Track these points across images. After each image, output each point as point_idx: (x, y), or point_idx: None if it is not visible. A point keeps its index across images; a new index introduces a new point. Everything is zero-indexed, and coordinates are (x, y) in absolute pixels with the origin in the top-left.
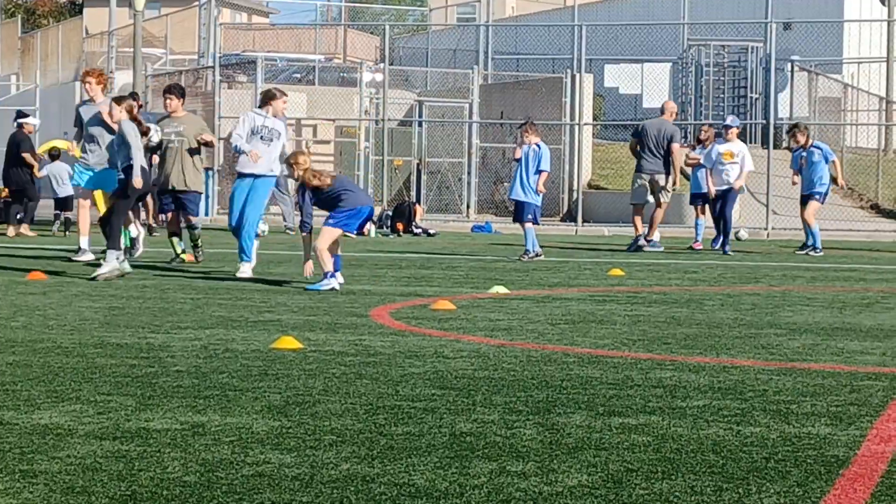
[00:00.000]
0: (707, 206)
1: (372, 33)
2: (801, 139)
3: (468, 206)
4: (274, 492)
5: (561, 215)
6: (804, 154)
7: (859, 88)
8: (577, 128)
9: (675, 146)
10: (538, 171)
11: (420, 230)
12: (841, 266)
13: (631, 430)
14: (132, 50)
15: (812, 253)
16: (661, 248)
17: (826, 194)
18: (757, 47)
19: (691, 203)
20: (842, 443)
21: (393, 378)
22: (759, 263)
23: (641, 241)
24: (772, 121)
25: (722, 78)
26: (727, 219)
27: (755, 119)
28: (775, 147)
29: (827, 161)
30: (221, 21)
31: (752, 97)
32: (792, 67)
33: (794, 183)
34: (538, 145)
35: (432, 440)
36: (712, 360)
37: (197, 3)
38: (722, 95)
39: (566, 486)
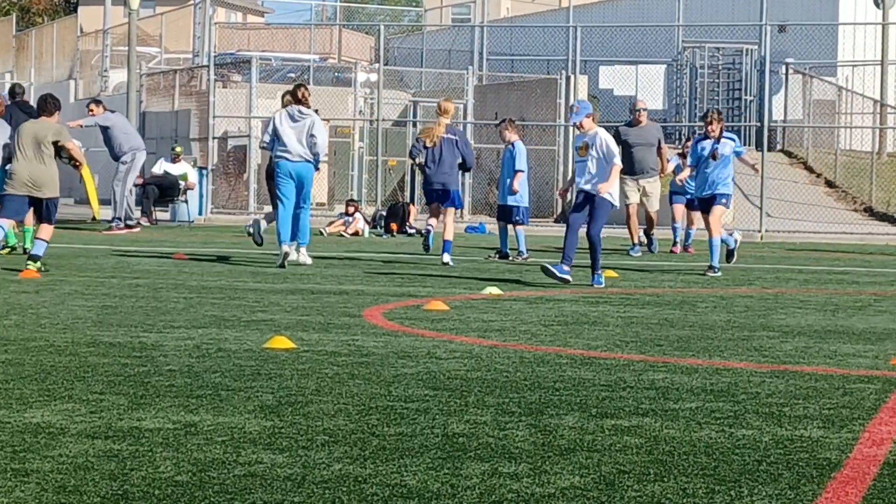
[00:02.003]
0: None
1: (367, 33)
2: (716, 128)
3: (462, 207)
4: (266, 492)
5: (555, 217)
6: (716, 146)
7: (853, 91)
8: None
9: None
10: (516, 171)
11: (414, 230)
12: (833, 269)
13: (623, 431)
14: (127, 49)
15: (711, 273)
16: (638, 254)
17: (731, 197)
18: (752, 49)
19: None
20: (834, 446)
21: (386, 378)
22: (752, 266)
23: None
24: (766, 123)
25: (716, 80)
26: (593, 240)
27: (750, 121)
28: (770, 149)
29: (739, 155)
30: (216, 20)
31: (746, 99)
32: (787, 70)
33: (681, 181)
34: (513, 144)
35: (425, 441)
36: (705, 363)
37: (192, 2)
38: (716, 98)
39: (558, 487)
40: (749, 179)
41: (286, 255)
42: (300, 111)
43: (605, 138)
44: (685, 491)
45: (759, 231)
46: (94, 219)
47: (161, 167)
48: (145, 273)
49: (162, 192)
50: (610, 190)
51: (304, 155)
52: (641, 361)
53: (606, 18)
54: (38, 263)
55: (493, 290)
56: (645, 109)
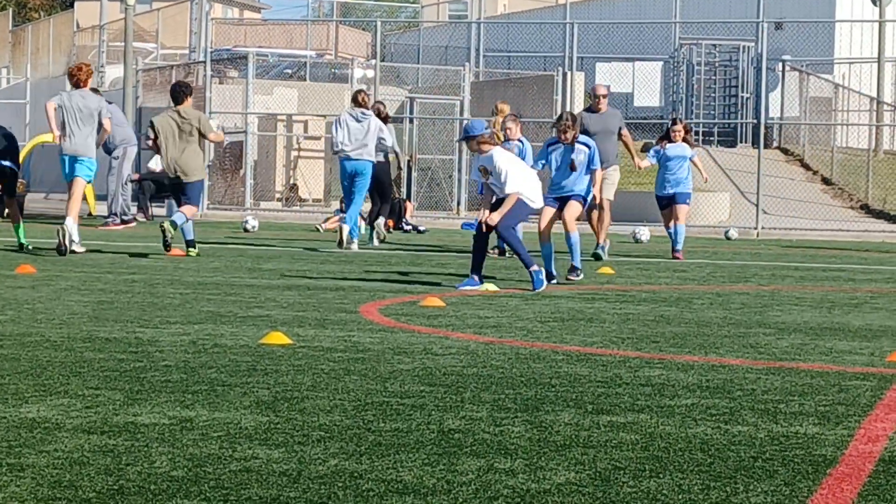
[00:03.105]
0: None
1: (364, 29)
2: (570, 135)
3: (458, 203)
4: (261, 487)
5: None
6: (571, 156)
7: (850, 88)
8: None
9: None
10: None
11: (410, 227)
12: (830, 266)
13: (619, 428)
14: (123, 44)
15: (573, 277)
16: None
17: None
18: (748, 47)
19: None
20: (829, 442)
21: (381, 374)
22: (748, 263)
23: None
24: (762, 120)
25: (713, 77)
26: (501, 234)
27: (746, 119)
28: (766, 147)
29: (589, 169)
30: (213, 16)
31: (743, 97)
32: (783, 67)
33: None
34: (521, 141)
35: (420, 437)
36: (701, 359)
37: None
38: (713, 95)
39: (554, 483)
40: (746, 177)
41: (344, 242)
42: (362, 113)
43: (501, 163)
44: (680, 487)
45: (756, 228)
46: (90, 214)
47: (158, 163)
48: (141, 268)
49: (158, 187)
50: (506, 211)
51: (362, 154)
52: (637, 358)
53: (603, 15)
54: (196, 249)
55: (489, 286)
56: (605, 96)
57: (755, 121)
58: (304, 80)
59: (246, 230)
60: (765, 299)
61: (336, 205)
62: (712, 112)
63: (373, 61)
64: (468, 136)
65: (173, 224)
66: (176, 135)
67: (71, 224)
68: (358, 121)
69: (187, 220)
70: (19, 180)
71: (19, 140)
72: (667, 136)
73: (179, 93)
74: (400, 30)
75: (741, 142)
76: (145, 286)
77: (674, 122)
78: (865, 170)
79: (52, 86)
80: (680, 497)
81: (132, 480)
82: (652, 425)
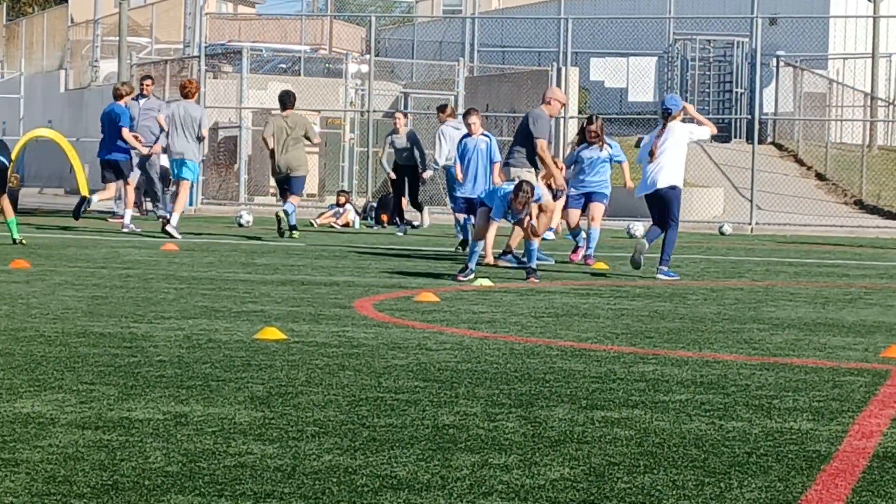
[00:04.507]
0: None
1: (358, 24)
2: (524, 206)
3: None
4: (256, 482)
5: None
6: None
7: (844, 84)
8: (562, 121)
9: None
10: (493, 163)
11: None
12: (824, 261)
13: (613, 423)
14: (117, 39)
15: (462, 278)
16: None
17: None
18: (743, 42)
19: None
20: (823, 438)
21: (376, 370)
22: (742, 258)
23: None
24: (757, 116)
25: (707, 72)
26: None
27: (740, 114)
28: (760, 142)
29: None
30: (207, 11)
31: (737, 92)
32: (777, 62)
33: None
34: (487, 136)
35: (415, 432)
36: (695, 355)
37: None
38: (707, 90)
39: (548, 478)
40: (740, 172)
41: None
42: (454, 127)
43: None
44: (675, 483)
45: (750, 224)
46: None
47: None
48: (136, 263)
49: (149, 183)
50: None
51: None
52: (632, 353)
53: (598, 10)
54: (297, 233)
55: (483, 281)
56: (564, 105)
57: (749, 116)
58: (299, 74)
59: (240, 225)
60: (759, 295)
61: (330, 199)
62: (706, 107)
63: (367, 56)
64: (669, 112)
65: (285, 212)
66: (284, 138)
67: (175, 219)
68: (457, 129)
69: (294, 208)
70: (14, 175)
71: (14, 134)
72: (582, 135)
73: (286, 100)
74: (394, 25)
75: (735, 137)
76: (140, 281)
77: (589, 122)
78: (859, 165)
79: (47, 80)
80: (674, 493)
81: (126, 476)
82: (646, 421)
